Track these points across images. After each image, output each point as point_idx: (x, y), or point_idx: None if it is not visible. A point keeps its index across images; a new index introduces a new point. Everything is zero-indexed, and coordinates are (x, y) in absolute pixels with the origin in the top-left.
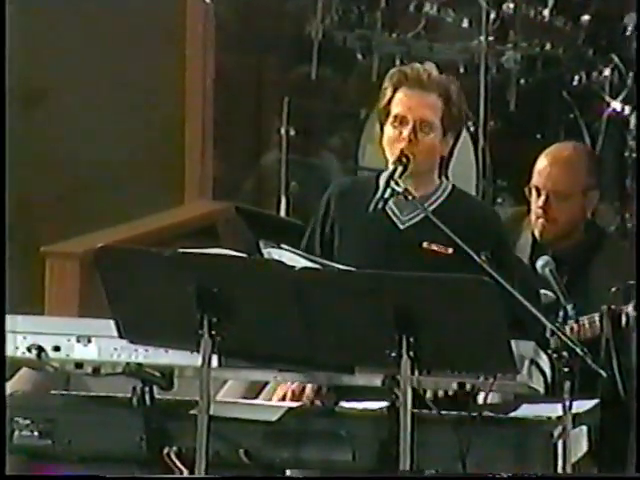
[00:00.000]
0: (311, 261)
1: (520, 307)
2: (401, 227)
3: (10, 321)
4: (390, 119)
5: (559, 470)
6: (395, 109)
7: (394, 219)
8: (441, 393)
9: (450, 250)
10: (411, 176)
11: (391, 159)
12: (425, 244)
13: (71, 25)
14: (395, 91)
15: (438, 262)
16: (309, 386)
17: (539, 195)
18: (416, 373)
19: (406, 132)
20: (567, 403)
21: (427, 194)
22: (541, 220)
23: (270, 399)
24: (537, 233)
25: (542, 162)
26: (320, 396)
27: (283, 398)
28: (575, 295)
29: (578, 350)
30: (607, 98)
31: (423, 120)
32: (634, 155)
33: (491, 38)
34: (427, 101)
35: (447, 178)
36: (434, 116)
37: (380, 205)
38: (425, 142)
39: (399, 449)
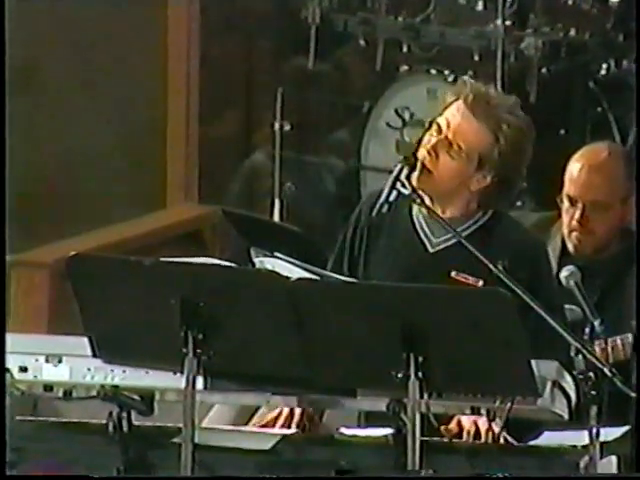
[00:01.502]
0: (308, 271)
1: (542, 322)
2: (431, 250)
3: None
4: (434, 124)
5: None
6: (441, 115)
7: (424, 240)
8: None
9: (480, 283)
10: (432, 194)
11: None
12: (454, 274)
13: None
14: (455, 100)
15: None
16: (298, 412)
17: (573, 206)
18: (425, 396)
19: (431, 143)
20: (594, 430)
21: (459, 216)
22: (576, 233)
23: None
24: (571, 247)
25: (575, 168)
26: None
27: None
28: (610, 311)
29: (606, 371)
30: None
31: (453, 142)
32: None
33: (509, 22)
34: (470, 127)
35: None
36: (467, 143)
37: (384, 209)
38: (443, 162)
39: None
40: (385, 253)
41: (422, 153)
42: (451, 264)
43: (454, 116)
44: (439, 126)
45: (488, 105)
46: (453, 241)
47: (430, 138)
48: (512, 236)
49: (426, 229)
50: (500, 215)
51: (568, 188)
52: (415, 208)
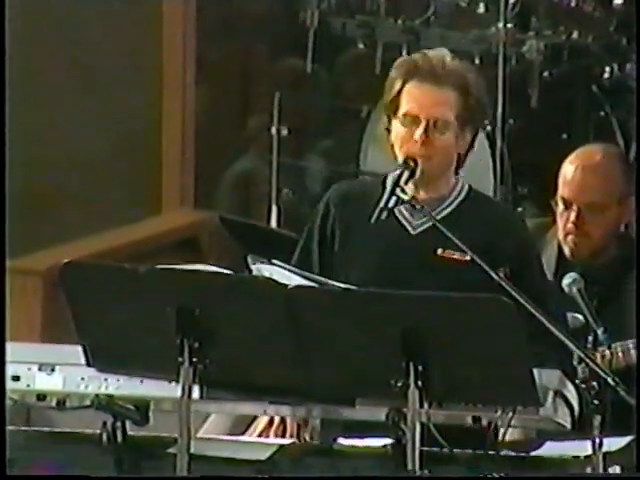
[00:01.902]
0: (306, 278)
1: (544, 330)
2: (413, 232)
3: None
4: (399, 115)
5: None
6: (405, 105)
7: (404, 223)
8: None
9: (467, 257)
10: (424, 179)
11: (400, 160)
12: (440, 251)
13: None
14: (405, 83)
15: (454, 270)
16: (289, 422)
17: (568, 208)
18: (425, 406)
19: (418, 133)
20: (597, 440)
21: (440, 197)
22: (572, 237)
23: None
24: (567, 251)
25: (569, 170)
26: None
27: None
28: (608, 318)
29: (609, 380)
30: None
31: (437, 119)
32: None
33: (510, 25)
34: (441, 96)
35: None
36: (449, 112)
37: (384, 215)
38: (440, 142)
39: None
40: (363, 243)
41: (414, 149)
42: (436, 242)
43: (421, 96)
44: (412, 115)
45: (442, 66)
46: (437, 219)
47: (412, 131)
48: (491, 212)
49: (405, 213)
50: (475, 191)
51: (562, 190)
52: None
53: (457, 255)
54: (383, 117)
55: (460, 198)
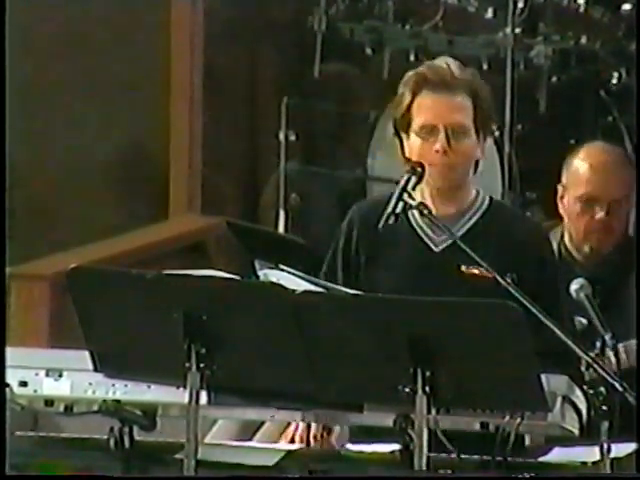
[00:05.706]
0: (313, 284)
1: (551, 336)
2: (436, 249)
3: None
4: (415, 129)
5: None
6: (420, 118)
7: (427, 241)
8: None
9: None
10: (448, 190)
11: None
12: (464, 267)
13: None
14: (414, 96)
15: (479, 286)
16: (314, 427)
17: (590, 207)
18: (433, 411)
19: (439, 143)
20: (605, 446)
21: (460, 211)
22: (598, 234)
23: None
24: (587, 249)
25: (584, 168)
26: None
27: (292, 440)
28: (609, 318)
29: (617, 385)
30: None
31: (455, 126)
32: None
33: (518, 30)
34: (456, 103)
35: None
36: (466, 118)
37: (391, 220)
38: (461, 150)
39: None
40: (388, 263)
41: (436, 159)
42: (460, 258)
43: (436, 105)
44: (430, 126)
45: (452, 74)
46: (458, 235)
47: (431, 142)
48: (512, 224)
49: (427, 230)
50: (497, 203)
51: (585, 189)
52: (413, 211)
53: (483, 271)
54: (390, 122)
55: (481, 211)
